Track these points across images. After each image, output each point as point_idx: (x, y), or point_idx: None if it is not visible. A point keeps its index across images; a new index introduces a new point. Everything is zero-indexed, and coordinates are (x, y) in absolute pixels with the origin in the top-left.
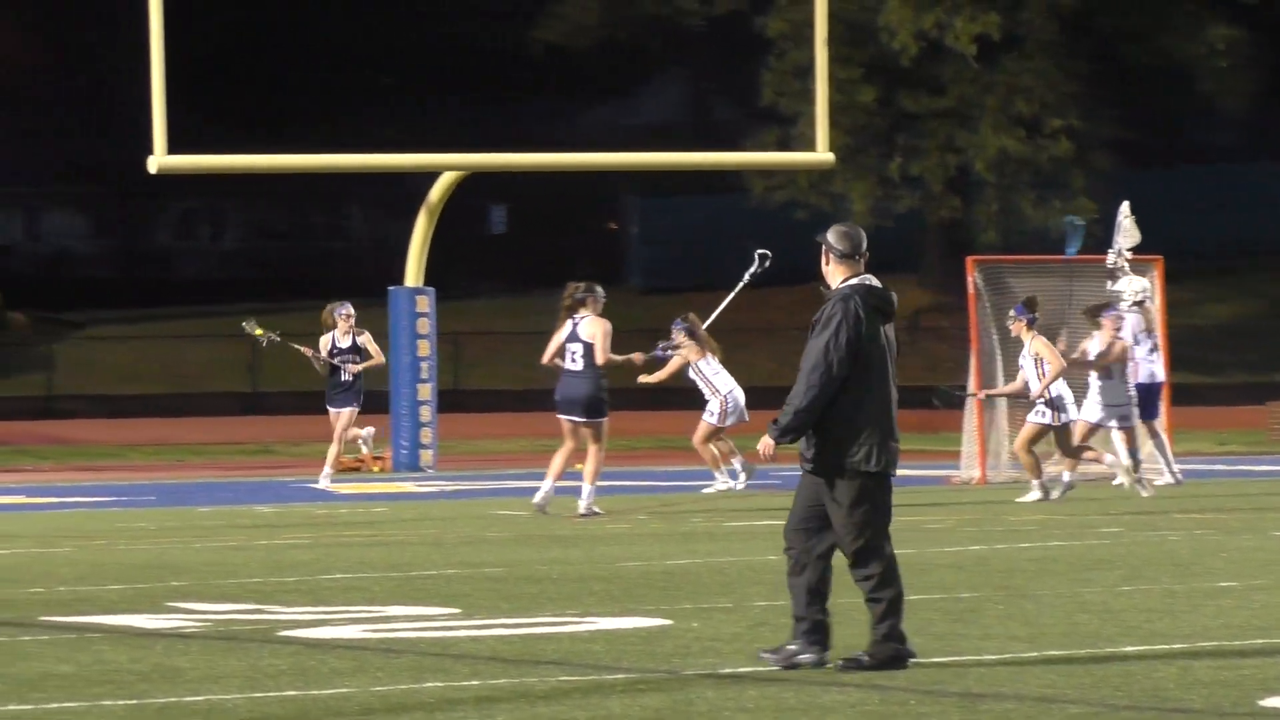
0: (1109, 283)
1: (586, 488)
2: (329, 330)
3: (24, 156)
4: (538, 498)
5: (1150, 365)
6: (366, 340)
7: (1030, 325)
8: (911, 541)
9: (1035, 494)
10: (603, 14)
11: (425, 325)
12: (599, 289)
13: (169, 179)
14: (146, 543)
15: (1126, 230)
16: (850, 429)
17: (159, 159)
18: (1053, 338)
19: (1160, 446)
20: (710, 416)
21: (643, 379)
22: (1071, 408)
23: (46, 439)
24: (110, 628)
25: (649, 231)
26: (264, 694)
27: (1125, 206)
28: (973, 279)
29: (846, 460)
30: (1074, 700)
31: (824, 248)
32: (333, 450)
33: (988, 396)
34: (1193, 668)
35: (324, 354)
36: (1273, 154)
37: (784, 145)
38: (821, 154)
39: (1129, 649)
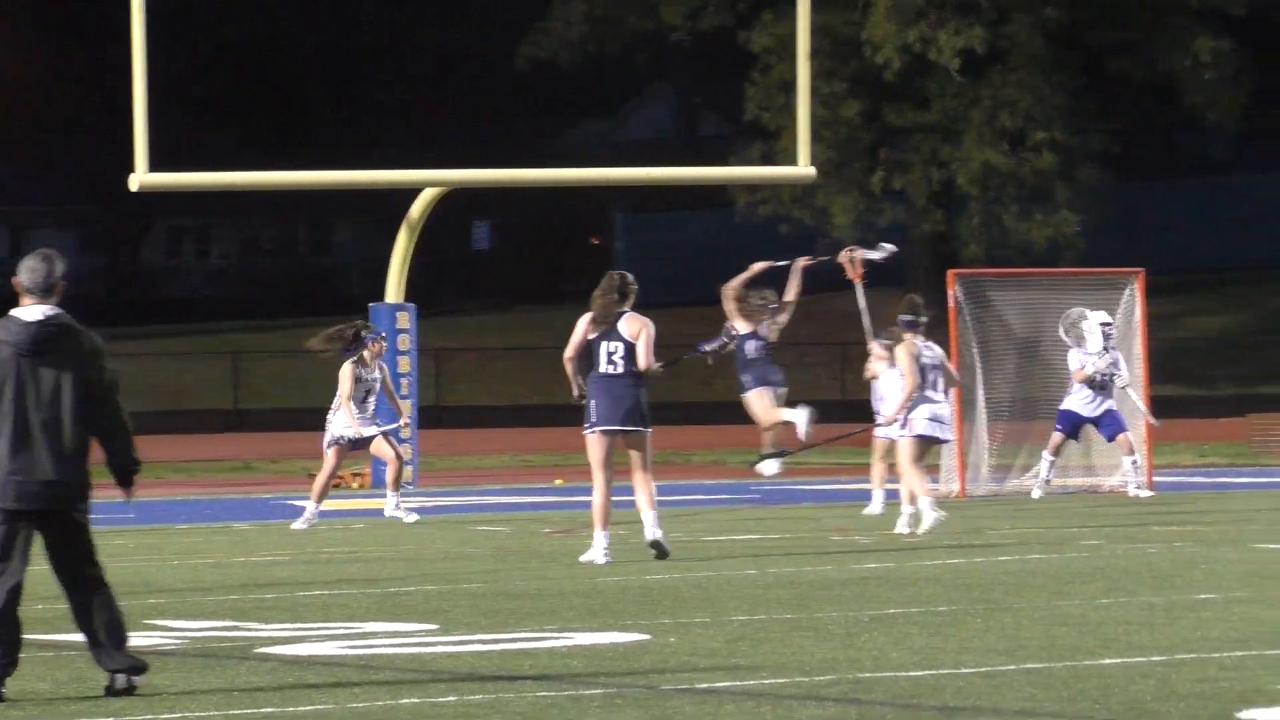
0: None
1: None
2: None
3: (11, 174)
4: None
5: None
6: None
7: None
8: (890, 555)
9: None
10: (589, 30)
11: (406, 341)
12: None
13: (155, 197)
14: (125, 560)
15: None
16: None
17: (140, 177)
18: (1034, 350)
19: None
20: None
21: None
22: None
23: None
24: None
25: (634, 247)
26: (242, 711)
27: (1090, 318)
28: (953, 292)
29: None
30: (1052, 713)
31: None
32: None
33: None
34: (1171, 680)
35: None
36: (1260, 167)
37: (768, 160)
38: (803, 168)
39: (1107, 661)
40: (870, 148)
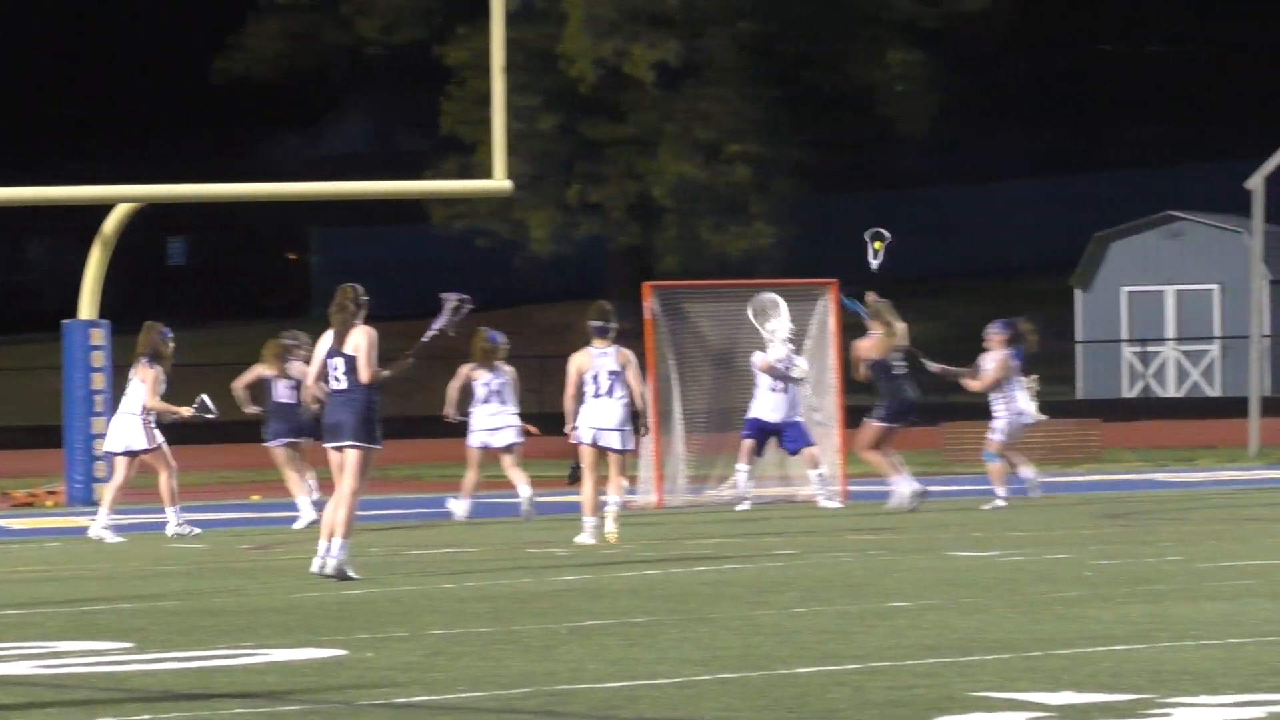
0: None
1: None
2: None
3: None
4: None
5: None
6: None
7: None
8: (587, 566)
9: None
10: (285, 44)
11: (100, 359)
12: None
13: None
14: None
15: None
16: None
17: None
18: (729, 361)
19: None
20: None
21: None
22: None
23: None
24: None
25: (331, 262)
26: None
27: (782, 306)
28: (649, 305)
29: None
30: None
31: None
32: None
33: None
34: (866, 688)
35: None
36: (953, 178)
37: (465, 173)
38: (500, 182)
39: (803, 670)
40: (567, 161)
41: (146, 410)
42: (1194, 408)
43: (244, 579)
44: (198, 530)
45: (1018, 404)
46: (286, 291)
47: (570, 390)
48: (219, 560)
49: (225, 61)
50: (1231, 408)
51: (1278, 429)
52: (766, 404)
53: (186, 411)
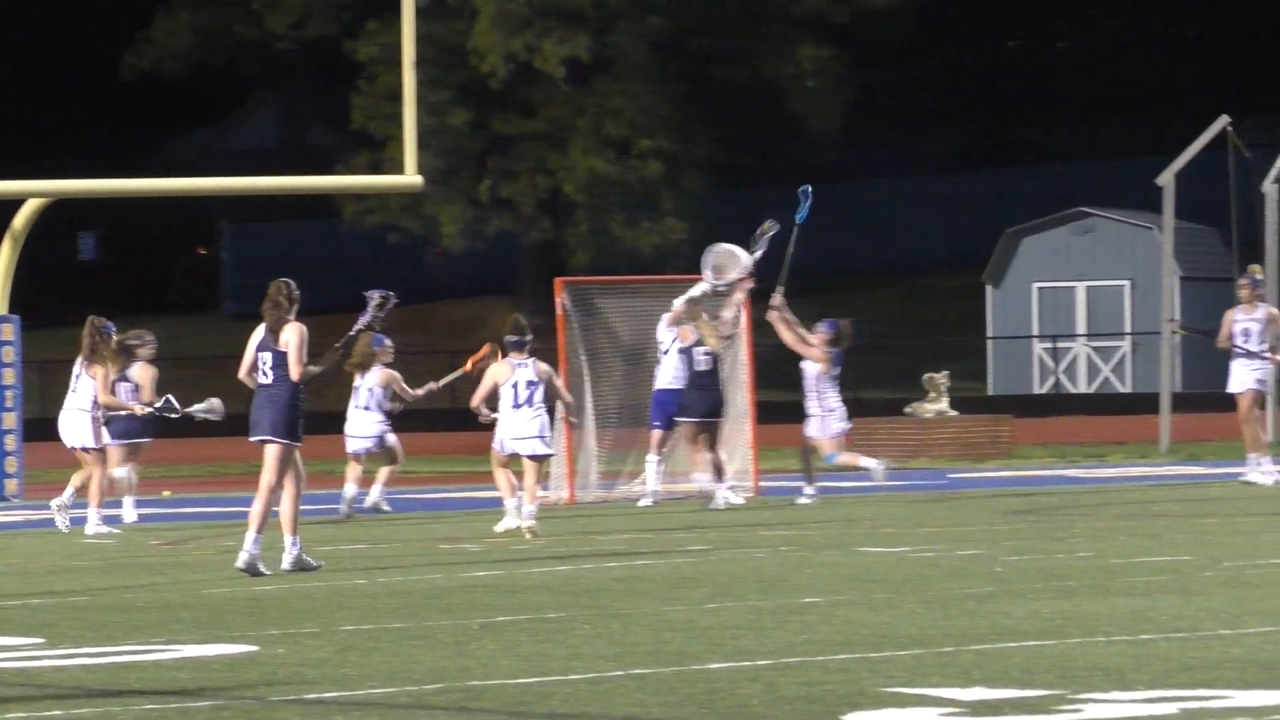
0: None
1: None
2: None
3: None
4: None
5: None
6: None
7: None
8: (500, 562)
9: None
10: (194, 40)
11: (10, 354)
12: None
13: None
14: None
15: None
16: None
17: None
18: (641, 357)
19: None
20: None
21: None
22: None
23: None
24: None
25: (242, 257)
26: None
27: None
28: (561, 300)
29: None
30: (660, 718)
31: None
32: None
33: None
34: (778, 684)
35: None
36: (864, 175)
37: (375, 169)
38: (410, 177)
39: (714, 666)
40: (478, 156)
41: (97, 406)
42: (1105, 404)
43: (155, 575)
44: (117, 532)
45: (830, 402)
46: (197, 287)
47: (479, 395)
48: (130, 556)
49: (134, 57)
50: (1142, 403)
51: (1188, 425)
52: (668, 371)
53: (139, 409)
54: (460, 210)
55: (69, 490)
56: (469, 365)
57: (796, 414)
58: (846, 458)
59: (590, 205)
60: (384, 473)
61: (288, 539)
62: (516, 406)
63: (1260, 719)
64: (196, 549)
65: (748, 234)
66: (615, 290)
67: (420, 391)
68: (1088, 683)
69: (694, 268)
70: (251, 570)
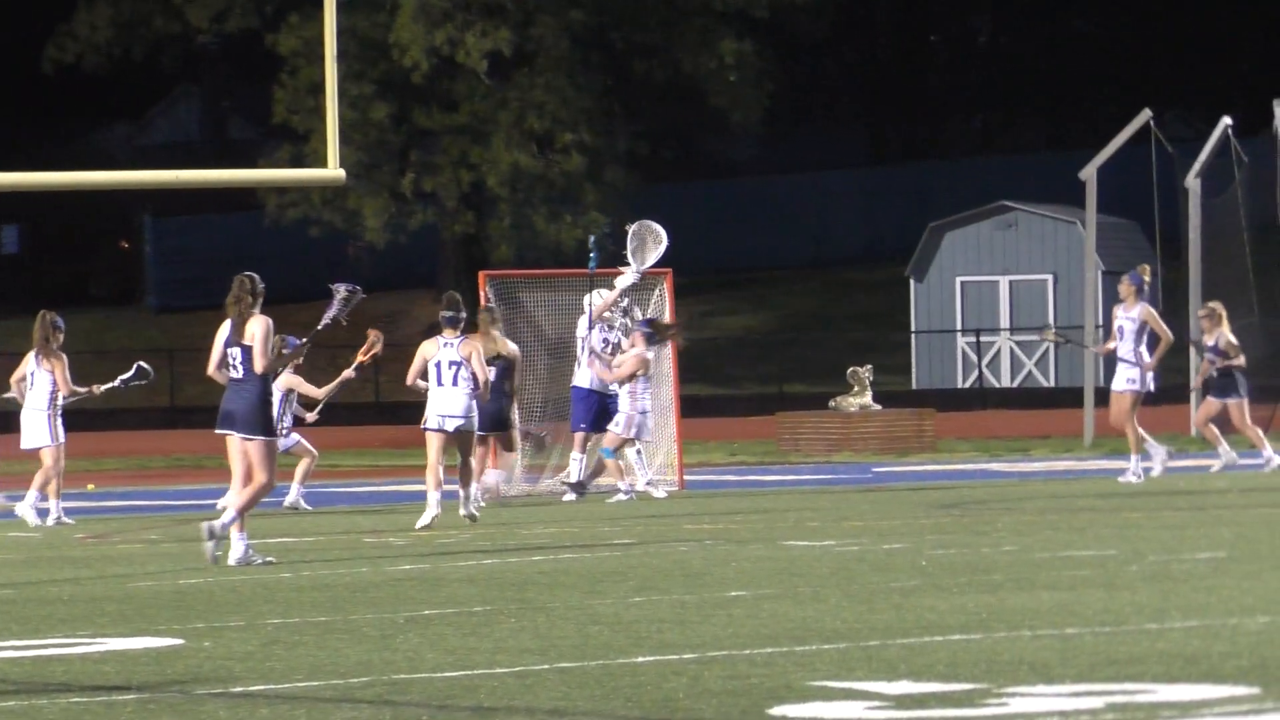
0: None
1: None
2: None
3: None
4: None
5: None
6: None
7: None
8: (425, 556)
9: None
10: (115, 33)
11: None
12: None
13: None
14: None
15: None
16: None
17: None
18: (565, 351)
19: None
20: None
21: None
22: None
23: None
24: None
25: (163, 251)
26: None
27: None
28: (484, 294)
29: None
30: (585, 711)
31: None
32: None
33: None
34: (703, 677)
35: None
36: (783, 168)
37: (297, 162)
38: (332, 171)
39: (640, 659)
40: (400, 150)
41: (63, 397)
42: (1028, 398)
43: (80, 568)
44: (45, 525)
45: (644, 403)
46: (120, 280)
47: (412, 373)
48: (54, 549)
49: (56, 50)
50: (1066, 398)
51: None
52: (584, 375)
53: (99, 389)
54: (383, 204)
55: (33, 492)
56: (361, 357)
57: (720, 408)
58: (612, 465)
59: (512, 199)
60: (300, 471)
61: (235, 534)
62: (441, 384)
63: (1185, 713)
64: (121, 542)
65: (667, 228)
66: (538, 284)
67: (322, 393)
68: (1013, 676)
69: (615, 262)
70: (248, 563)
